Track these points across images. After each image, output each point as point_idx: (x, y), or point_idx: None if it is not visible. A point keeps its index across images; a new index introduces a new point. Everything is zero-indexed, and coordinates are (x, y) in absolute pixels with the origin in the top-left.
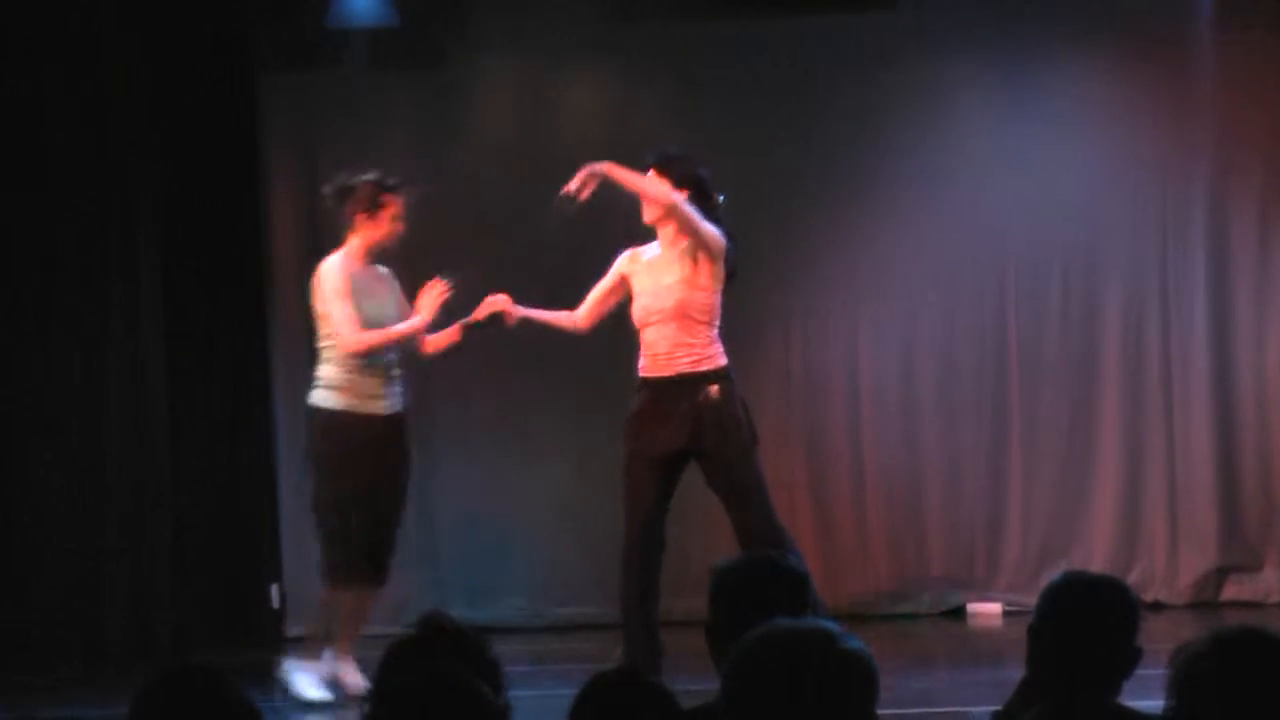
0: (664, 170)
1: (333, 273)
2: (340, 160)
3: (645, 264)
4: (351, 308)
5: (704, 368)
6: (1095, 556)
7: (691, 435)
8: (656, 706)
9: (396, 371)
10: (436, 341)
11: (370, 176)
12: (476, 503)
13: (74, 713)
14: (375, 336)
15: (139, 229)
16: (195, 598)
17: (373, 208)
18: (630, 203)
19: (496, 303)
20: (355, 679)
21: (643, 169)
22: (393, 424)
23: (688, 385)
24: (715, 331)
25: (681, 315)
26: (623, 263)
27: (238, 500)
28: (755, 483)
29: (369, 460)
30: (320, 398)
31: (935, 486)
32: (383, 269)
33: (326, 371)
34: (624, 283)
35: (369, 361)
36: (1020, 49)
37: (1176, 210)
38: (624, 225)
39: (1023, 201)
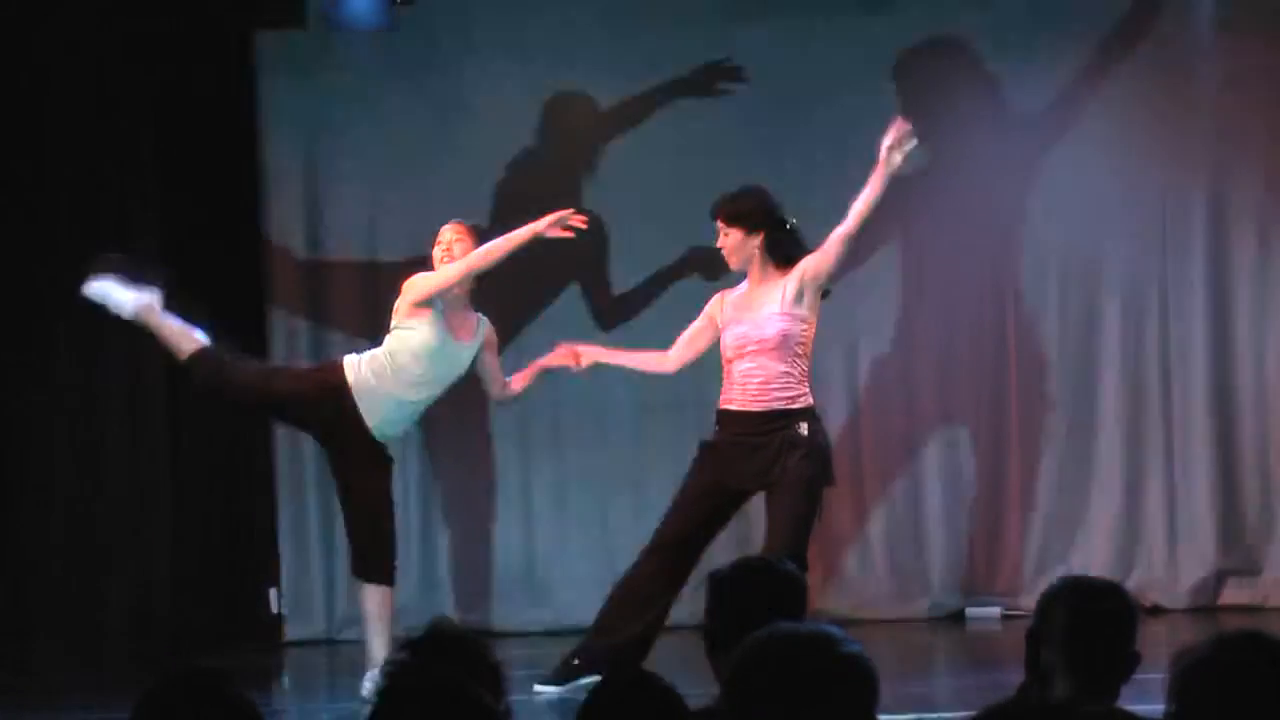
0: (731, 219)
1: (419, 276)
2: (340, 163)
3: (736, 300)
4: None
5: (796, 406)
6: (1094, 561)
7: (769, 472)
8: (666, 710)
9: (407, 415)
10: (515, 383)
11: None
12: (476, 506)
13: (73, 717)
14: (486, 251)
15: (137, 232)
16: (194, 601)
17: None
18: (627, 205)
19: (565, 354)
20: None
21: (711, 214)
22: (369, 447)
23: (778, 420)
24: (808, 366)
25: (780, 347)
26: (712, 304)
27: (237, 504)
28: (808, 518)
29: (312, 410)
30: (350, 361)
31: (934, 491)
32: (474, 313)
33: (370, 355)
34: (714, 325)
35: (405, 383)
36: (1019, 53)
37: (1176, 214)
38: (624, 229)
39: (1022, 205)
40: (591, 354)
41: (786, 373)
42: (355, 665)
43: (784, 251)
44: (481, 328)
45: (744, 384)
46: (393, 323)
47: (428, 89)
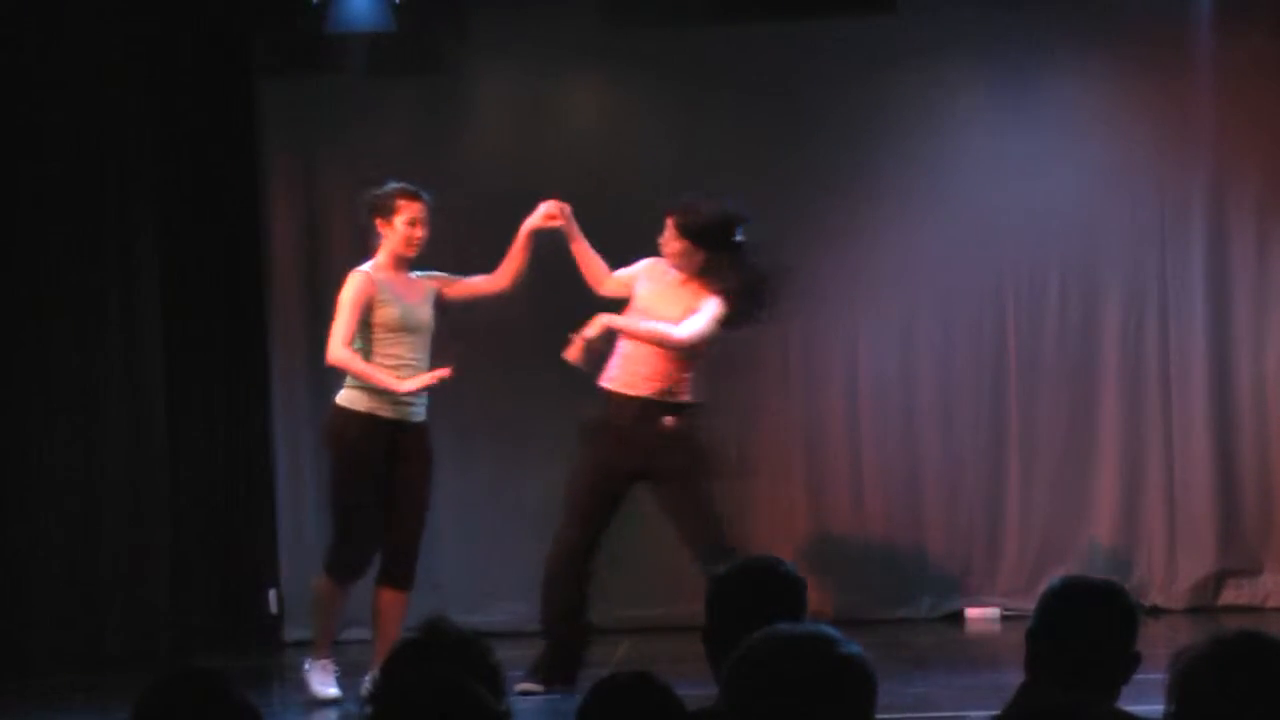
0: (681, 227)
1: (352, 279)
2: (339, 165)
3: (662, 281)
4: (352, 320)
5: (675, 399)
6: (1093, 561)
7: (645, 460)
8: (664, 710)
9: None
10: (509, 263)
11: (390, 186)
12: (476, 506)
13: (73, 717)
14: (354, 366)
15: (137, 233)
16: (193, 602)
17: (387, 215)
18: (627, 206)
19: (550, 211)
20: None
21: (660, 216)
22: (415, 430)
23: (653, 409)
24: (693, 366)
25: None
26: (647, 262)
27: (236, 504)
28: (712, 502)
29: (384, 463)
30: (344, 397)
31: (933, 491)
32: (415, 274)
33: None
34: (630, 285)
35: (400, 366)
36: (1019, 54)
37: (1175, 215)
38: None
39: (1021, 206)
40: (568, 215)
41: (672, 370)
42: (355, 665)
43: (716, 276)
44: (427, 282)
45: (632, 368)
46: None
47: (426, 90)
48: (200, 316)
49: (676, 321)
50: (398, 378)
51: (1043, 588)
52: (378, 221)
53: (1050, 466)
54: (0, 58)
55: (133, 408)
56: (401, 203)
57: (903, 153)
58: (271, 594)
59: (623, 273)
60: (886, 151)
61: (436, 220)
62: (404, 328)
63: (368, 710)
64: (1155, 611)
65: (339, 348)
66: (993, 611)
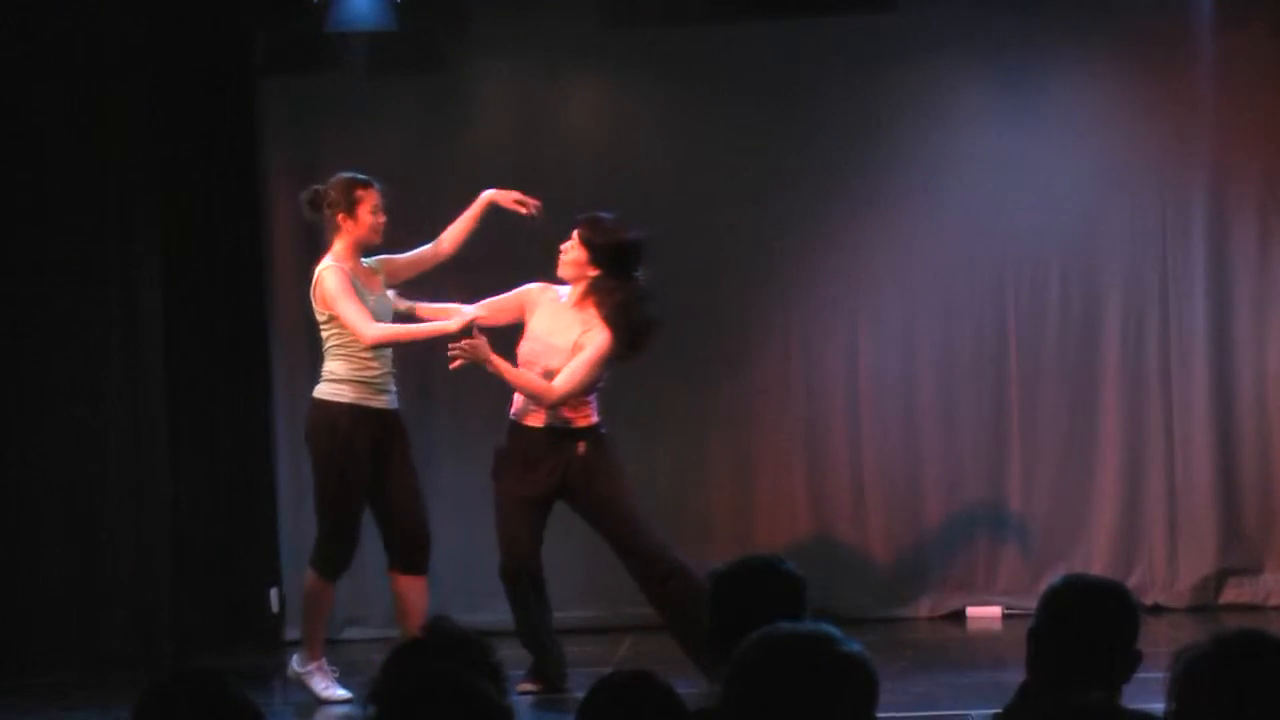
0: (586, 241)
1: (331, 274)
2: (340, 163)
3: (551, 307)
4: (359, 304)
5: (577, 425)
6: (1095, 559)
7: (560, 485)
8: (664, 709)
9: (392, 369)
10: (447, 241)
11: (342, 175)
12: (476, 505)
13: (73, 717)
14: (399, 331)
15: (138, 232)
16: (194, 601)
17: (349, 205)
18: (626, 204)
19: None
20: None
21: (575, 222)
22: (395, 419)
23: (557, 437)
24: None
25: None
26: (532, 291)
27: (237, 504)
28: (635, 513)
29: (373, 454)
30: (328, 391)
31: (935, 490)
32: (368, 261)
33: (335, 367)
34: (521, 311)
35: (377, 356)
36: (1020, 51)
37: (1176, 212)
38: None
39: (1022, 204)
40: (537, 212)
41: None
42: (355, 664)
43: (603, 300)
44: (380, 270)
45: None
46: (320, 318)
47: (427, 88)
48: (201, 316)
49: (567, 354)
50: (376, 372)
51: (1044, 586)
52: (338, 216)
53: (1051, 465)
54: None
55: (134, 406)
56: (361, 193)
57: (903, 152)
58: (272, 594)
59: (498, 301)
60: (887, 150)
61: (432, 221)
62: (375, 319)
63: (370, 709)
64: (1156, 610)
65: (370, 327)
66: (994, 610)
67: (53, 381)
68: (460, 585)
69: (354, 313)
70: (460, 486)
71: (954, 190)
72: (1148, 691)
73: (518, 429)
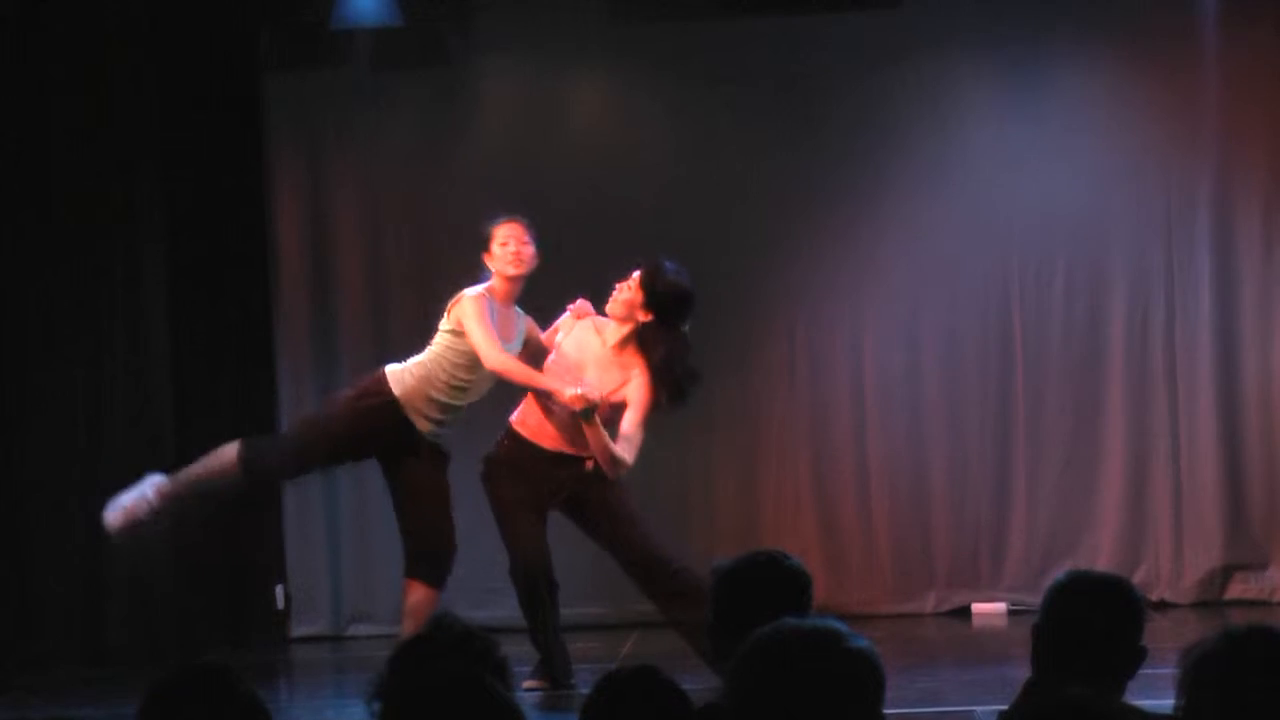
0: (645, 286)
1: (473, 298)
2: (345, 159)
3: (581, 335)
4: (491, 329)
5: (587, 452)
6: (1100, 556)
7: (563, 501)
8: (670, 705)
9: (453, 417)
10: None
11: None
12: (478, 503)
13: (77, 714)
14: (520, 370)
15: (143, 228)
16: (199, 598)
17: (485, 241)
18: (631, 200)
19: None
20: None
21: (637, 266)
22: (427, 448)
23: (566, 459)
24: None
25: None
26: (566, 319)
27: (242, 501)
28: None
29: (383, 450)
30: (394, 374)
31: (940, 486)
32: (517, 310)
33: (420, 366)
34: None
35: (462, 393)
36: (1024, 48)
37: (1181, 209)
38: (626, 221)
39: (1027, 200)
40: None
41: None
42: (361, 661)
43: (650, 350)
44: (521, 323)
45: (542, 422)
46: (444, 325)
47: (432, 84)
48: (206, 312)
49: (593, 389)
50: (444, 400)
51: (1050, 582)
52: (484, 255)
53: (1056, 461)
54: (4, 53)
55: (139, 405)
56: (496, 229)
57: (908, 147)
58: (278, 590)
59: (551, 332)
60: (892, 146)
61: (437, 217)
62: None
63: (376, 706)
64: (1162, 606)
65: (497, 353)
66: (1000, 606)
67: (57, 380)
68: (465, 582)
69: (484, 335)
70: (463, 486)
71: (959, 186)
72: (1154, 687)
73: (522, 443)
